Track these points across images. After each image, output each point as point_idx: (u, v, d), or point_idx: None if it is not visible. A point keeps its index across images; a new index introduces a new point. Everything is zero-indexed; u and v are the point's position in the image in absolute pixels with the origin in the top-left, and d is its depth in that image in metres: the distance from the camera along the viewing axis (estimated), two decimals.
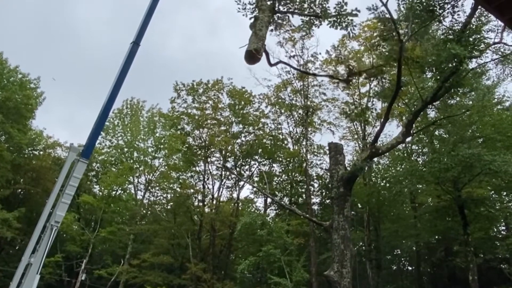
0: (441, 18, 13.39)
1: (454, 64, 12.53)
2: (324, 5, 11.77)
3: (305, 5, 11.93)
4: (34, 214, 34.83)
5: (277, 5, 11.15)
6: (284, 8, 11.68)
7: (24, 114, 35.10)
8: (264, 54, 10.72)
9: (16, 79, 34.74)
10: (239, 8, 11.49)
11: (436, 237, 32.90)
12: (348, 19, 12.01)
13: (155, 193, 42.03)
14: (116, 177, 36.39)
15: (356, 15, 11.69)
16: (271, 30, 12.14)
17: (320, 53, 33.45)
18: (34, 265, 10.92)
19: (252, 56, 8.89)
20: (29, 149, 38.86)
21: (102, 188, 38.73)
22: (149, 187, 40.39)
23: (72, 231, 34.64)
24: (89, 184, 41.19)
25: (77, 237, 35.01)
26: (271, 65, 11.99)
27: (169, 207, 39.46)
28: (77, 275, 32.74)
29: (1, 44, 78.59)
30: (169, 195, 40.08)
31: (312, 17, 12.27)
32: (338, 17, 11.86)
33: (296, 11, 11.97)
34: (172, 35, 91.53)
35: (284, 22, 12.54)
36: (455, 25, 13.30)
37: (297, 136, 35.77)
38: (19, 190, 38.94)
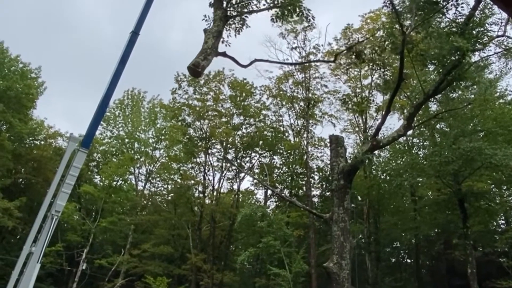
0: (445, 10, 13.24)
1: (456, 57, 12.41)
2: None
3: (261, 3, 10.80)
4: (35, 203, 34.94)
5: (228, 12, 10.35)
6: (235, 12, 10.85)
7: (25, 104, 35.05)
8: (232, 59, 10.46)
9: (17, 69, 34.67)
10: (207, 25, 10.79)
11: (436, 230, 33.00)
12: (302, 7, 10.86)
13: (156, 184, 42.21)
14: (117, 168, 36.42)
15: None
16: (239, 31, 11.44)
17: (322, 45, 33.18)
18: (35, 254, 10.98)
19: (193, 70, 8.75)
20: (30, 138, 38.85)
21: (103, 179, 38.77)
22: (150, 178, 40.49)
23: (73, 221, 34.77)
24: (90, 174, 41.26)
25: (78, 227, 35.16)
26: (244, 66, 11.56)
27: (169, 198, 39.59)
28: (78, 264, 32.95)
29: (2, 34, 78.24)
30: (169, 186, 40.22)
31: (270, 10, 11.23)
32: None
33: (251, 8, 10.99)
34: (173, 26, 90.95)
35: (242, 24, 11.71)
36: (459, 17, 13.16)
37: (298, 128, 35.72)
38: (20, 179, 39.06)
